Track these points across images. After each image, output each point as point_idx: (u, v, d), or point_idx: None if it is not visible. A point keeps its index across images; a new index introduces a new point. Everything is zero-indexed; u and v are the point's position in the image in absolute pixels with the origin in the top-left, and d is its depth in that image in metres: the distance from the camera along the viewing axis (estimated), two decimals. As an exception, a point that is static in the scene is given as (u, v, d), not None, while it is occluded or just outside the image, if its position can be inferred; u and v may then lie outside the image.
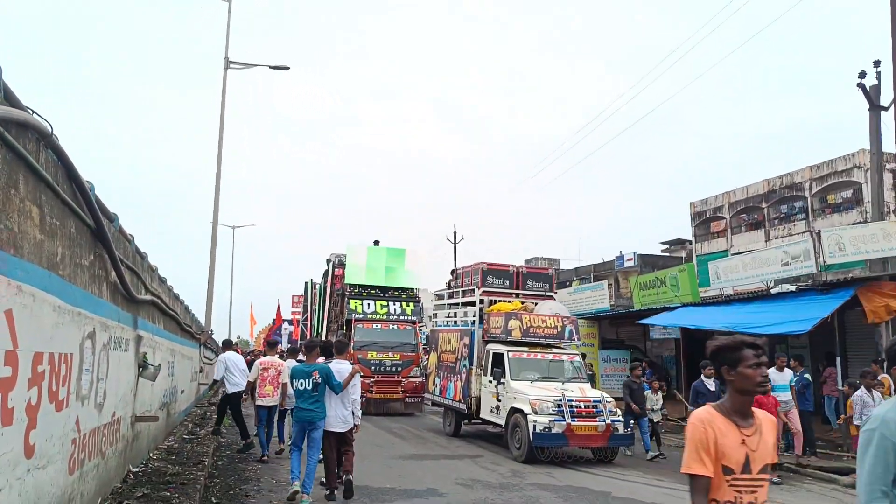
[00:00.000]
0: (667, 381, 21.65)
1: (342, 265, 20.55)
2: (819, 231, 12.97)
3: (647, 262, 45.18)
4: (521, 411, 10.79)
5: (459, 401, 13.17)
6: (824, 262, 12.19)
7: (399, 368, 17.76)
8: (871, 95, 13.29)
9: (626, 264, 47.87)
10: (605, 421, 10.66)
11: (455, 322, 14.55)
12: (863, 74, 13.47)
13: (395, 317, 19.03)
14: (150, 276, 8.61)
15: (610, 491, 8.83)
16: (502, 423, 11.53)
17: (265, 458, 10.11)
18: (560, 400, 10.62)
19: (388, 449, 11.85)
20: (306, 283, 30.50)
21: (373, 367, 17.41)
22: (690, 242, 47.23)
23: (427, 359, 16.53)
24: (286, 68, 19.59)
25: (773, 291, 12.96)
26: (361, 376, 16.36)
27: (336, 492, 7.68)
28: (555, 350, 12.39)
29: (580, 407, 10.72)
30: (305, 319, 31.44)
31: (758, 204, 41.20)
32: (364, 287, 19.44)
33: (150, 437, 8.74)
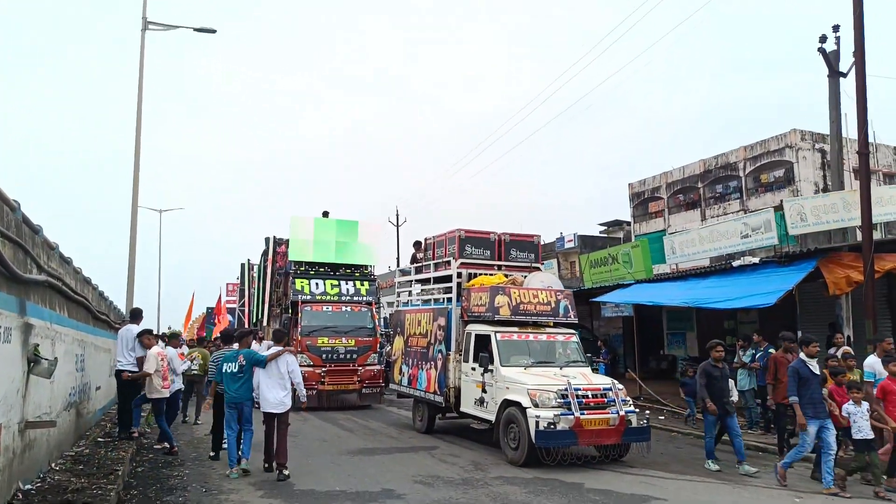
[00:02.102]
0: (614, 359, 21.46)
1: (285, 242, 18.62)
2: (782, 200, 12.62)
3: (587, 243, 45.50)
4: (517, 404, 9.04)
5: (434, 392, 11.38)
6: (786, 232, 11.82)
7: (354, 356, 15.80)
8: (831, 61, 13.03)
9: (567, 245, 48.10)
10: (617, 412, 8.91)
11: (427, 301, 12.68)
12: (823, 39, 13.11)
13: (349, 297, 16.90)
14: (45, 254, 7.21)
15: (582, 482, 8.08)
16: (491, 418, 9.80)
17: (175, 449, 9.66)
18: (565, 389, 8.89)
19: (335, 444, 10.78)
20: (242, 265, 28.09)
21: (324, 356, 15.50)
22: (629, 223, 47.74)
23: (390, 344, 14.60)
24: (212, 31, 17.82)
25: (735, 264, 12.55)
26: (311, 365, 15.34)
27: (274, 467, 8.22)
28: (548, 330, 10.70)
29: (588, 396, 8.98)
30: (242, 306, 29.23)
31: (694, 184, 41.87)
32: (312, 265, 17.24)
33: (51, 444, 7.37)
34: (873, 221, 11.54)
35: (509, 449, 9.24)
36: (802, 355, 8.25)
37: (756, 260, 12.15)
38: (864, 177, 11.08)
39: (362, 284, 17.28)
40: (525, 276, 11.34)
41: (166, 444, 9.64)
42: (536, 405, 8.78)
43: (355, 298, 16.92)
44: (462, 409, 10.80)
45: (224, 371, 8.26)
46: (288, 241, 18.08)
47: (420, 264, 13.38)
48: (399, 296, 14.33)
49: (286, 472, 8.02)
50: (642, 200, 45.50)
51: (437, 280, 12.37)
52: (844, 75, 13.04)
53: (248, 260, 26.75)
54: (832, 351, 10.91)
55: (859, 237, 14.57)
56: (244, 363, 8.18)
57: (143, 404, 10.45)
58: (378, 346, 16.55)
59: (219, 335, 12.92)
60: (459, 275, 11.49)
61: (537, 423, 8.55)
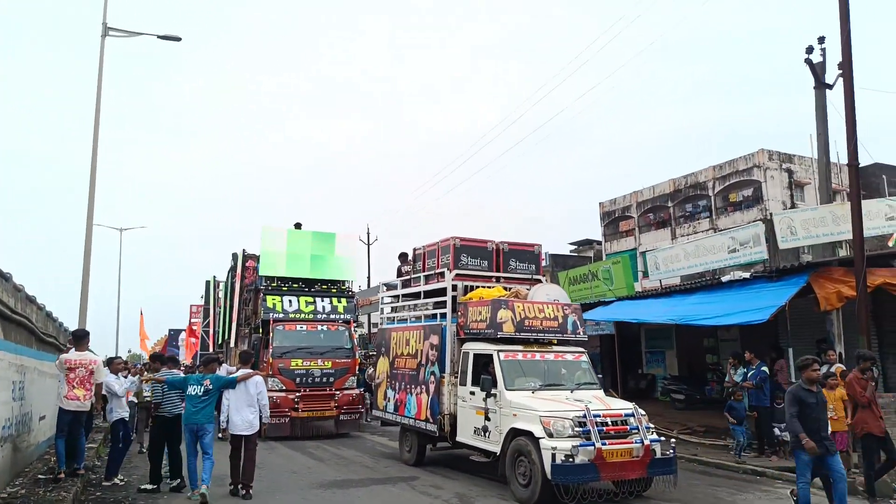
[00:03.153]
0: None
1: (255, 256, 17.48)
2: (771, 213, 12.29)
3: (559, 262, 45.27)
4: (528, 434, 7.93)
5: (426, 420, 10.24)
6: (776, 247, 11.47)
7: (331, 378, 14.45)
8: (818, 72, 12.86)
9: (538, 264, 47.85)
10: (641, 441, 7.85)
11: (417, 317, 11.60)
12: (810, 50, 12.99)
13: (325, 315, 15.75)
14: (-25, 266, 6.33)
15: (580, 515, 7.41)
16: (496, 449, 8.63)
17: (62, 474, 8.43)
18: (583, 416, 7.79)
19: (305, 476, 9.90)
20: (207, 283, 26.80)
21: (298, 379, 14.19)
22: (599, 242, 47.82)
23: (372, 365, 13.43)
24: (177, 39, 17.00)
25: (724, 279, 12.13)
26: (284, 390, 14.27)
27: (239, 487, 8.32)
28: (555, 348, 9.64)
29: (608, 424, 7.92)
30: (206, 326, 27.76)
31: (664, 203, 42.19)
32: (284, 280, 16.02)
33: (-22, 485, 6.42)
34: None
35: (518, 486, 8.11)
36: None
37: (747, 275, 11.76)
38: (854, 189, 10.79)
39: (340, 301, 16.13)
40: (528, 290, 10.33)
41: (77, 469, 8.83)
42: (550, 435, 7.69)
43: (332, 316, 15.77)
44: (459, 438, 9.67)
45: (188, 394, 8.26)
46: (258, 255, 16.99)
47: (407, 277, 12.26)
48: (383, 312, 13.23)
49: (251, 492, 8.32)
50: (613, 220, 45.66)
51: (429, 294, 11.24)
52: (831, 87, 12.88)
53: (214, 277, 25.56)
54: (825, 369, 10.50)
55: (842, 252, 14.43)
56: (210, 387, 8.25)
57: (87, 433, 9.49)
58: (357, 367, 15.50)
59: (150, 357, 12.20)
60: (455, 287, 10.39)
61: (553, 455, 7.45)
